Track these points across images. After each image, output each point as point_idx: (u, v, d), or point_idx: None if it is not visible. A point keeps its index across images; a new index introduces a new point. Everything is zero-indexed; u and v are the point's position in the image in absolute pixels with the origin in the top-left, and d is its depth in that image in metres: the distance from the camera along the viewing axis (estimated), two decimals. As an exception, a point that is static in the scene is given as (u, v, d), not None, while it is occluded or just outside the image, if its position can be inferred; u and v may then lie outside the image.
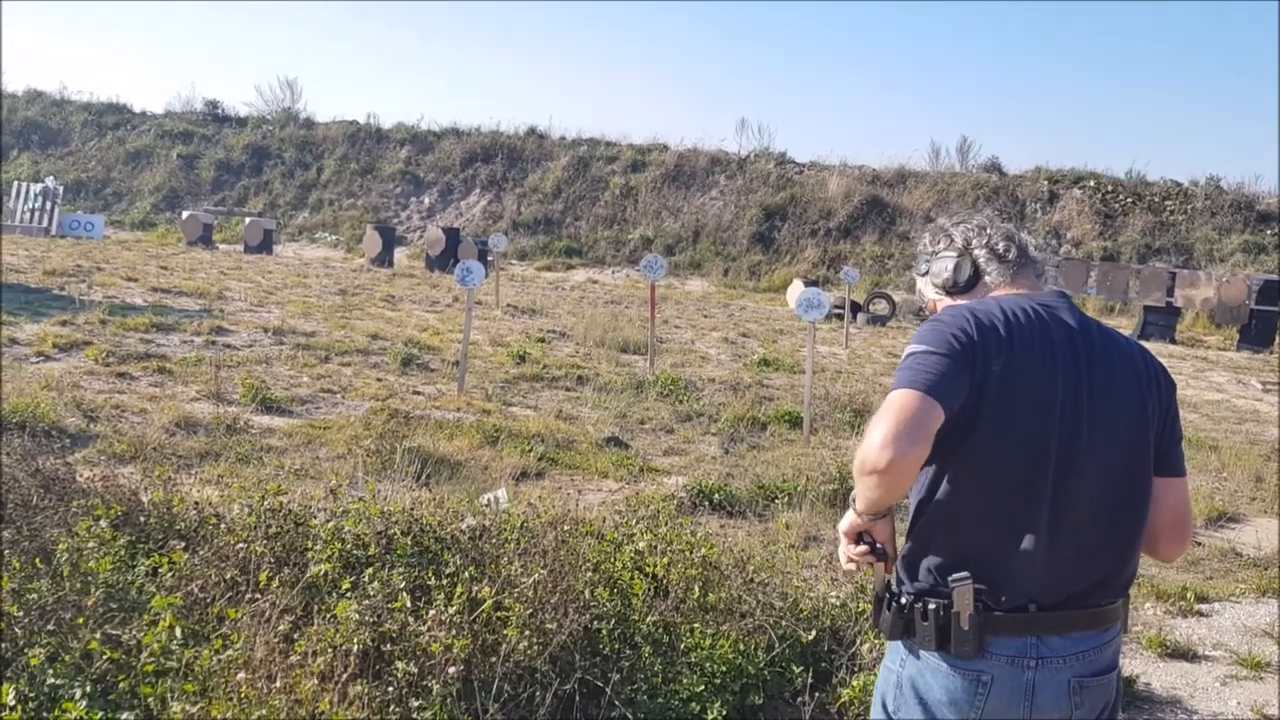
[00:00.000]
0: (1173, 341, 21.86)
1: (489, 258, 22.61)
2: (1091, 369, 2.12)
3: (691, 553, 4.29)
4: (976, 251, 2.33)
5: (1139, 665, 5.00)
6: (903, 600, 2.13)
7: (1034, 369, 2.08)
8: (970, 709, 2.08)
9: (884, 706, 2.21)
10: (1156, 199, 30.25)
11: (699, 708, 3.58)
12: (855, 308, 20.62)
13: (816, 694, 3.74)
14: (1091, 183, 31.20)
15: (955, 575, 2.06)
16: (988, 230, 2.34)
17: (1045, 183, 31.30)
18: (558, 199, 33.94)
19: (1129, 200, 30.42)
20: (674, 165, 34.26)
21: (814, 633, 4.07)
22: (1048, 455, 2.06)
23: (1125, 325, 24.14)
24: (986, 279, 2.32)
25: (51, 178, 30.89)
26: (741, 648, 3.85)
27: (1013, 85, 72.96)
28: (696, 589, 4.07)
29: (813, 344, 10.63)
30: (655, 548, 4.30)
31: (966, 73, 73.83)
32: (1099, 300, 25.04)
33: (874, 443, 1.98)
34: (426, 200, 35.21)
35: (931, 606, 2.07)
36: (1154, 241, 29.10)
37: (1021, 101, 71.04)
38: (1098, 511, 2.09)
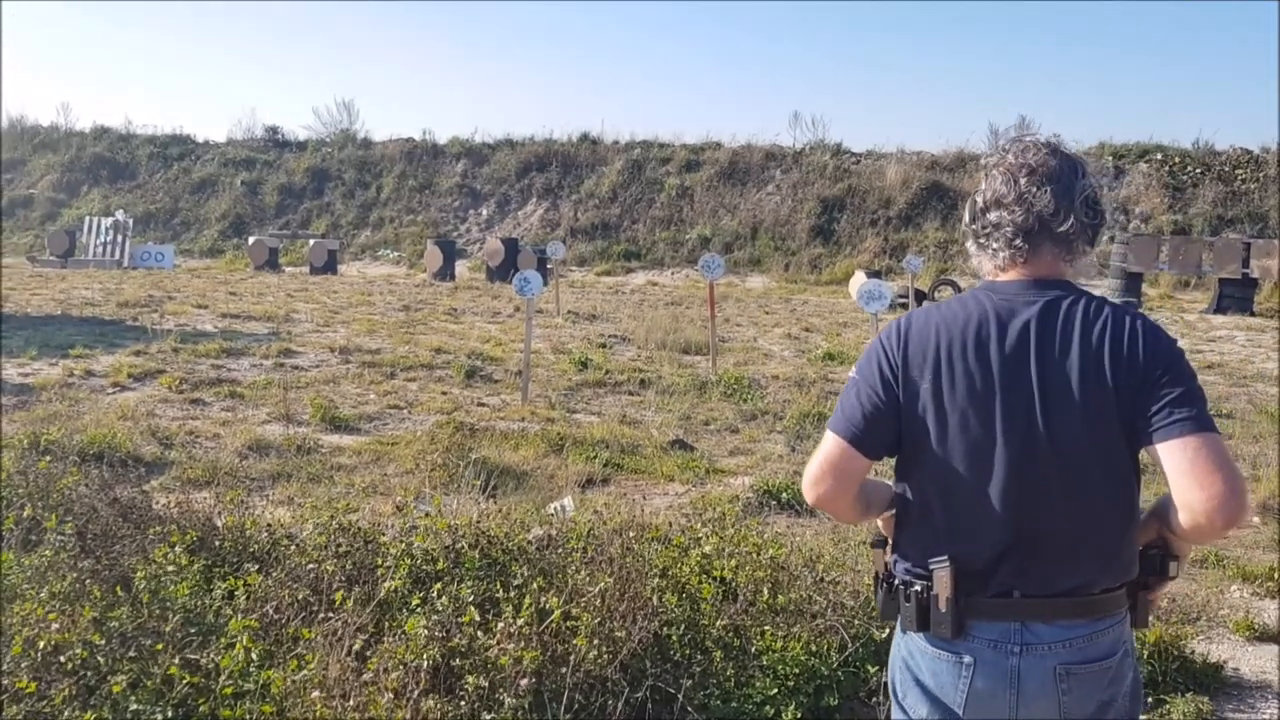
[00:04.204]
0: (1251, 314, 21.23)
1: (548, 266, 22.75)
2: (1046, 368, 2.04)
3: (759, 554, 4.26)
4: (973, 236, 2.22)
5: (1225, 650, 4.84)
6: (894, 582, 2.18)
7: (967, 378, 2.06)
8: (955, 691, 2.09)
9: (893, 688, 2.25)
10: (1226, 168, 29.43)
11: (773, 711, 3.55)
12: (920, 296, 20.37)
13: (892, 693, 3.69)
14: (1158, 155, 30.48)
15: (934, 559, 2.09)
16: (980, 212, 2.17)
17: (1110, 158, 30.62)
18: (614, 203, 34.04)
19: (1198, 171, 29.65)
20: (728, 162, 34.17)
21: (887, 631, 4.01)
22: (995, 459, 2.04)
23: (1200, 300, 23.54)
24: (985, 265, 2.20)
25: (121, 211, 31.84)
26: (814, 649, 3.81)
27: (1070, 61, 71.65)
28: (766, 591, 4.03)
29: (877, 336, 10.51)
30: (722, 550, 4.27)
31: (1021, 52, 72.65)
32: (1171, 276, 24.43)
33: (806, 479, 2.20)
34: (484, 212, 35.54)
35: (915, 588, 2.12)
36: (1226, 212, 28.32)
37: (1080, 77, 69.70)
38: (1071, 509, 2.04)
